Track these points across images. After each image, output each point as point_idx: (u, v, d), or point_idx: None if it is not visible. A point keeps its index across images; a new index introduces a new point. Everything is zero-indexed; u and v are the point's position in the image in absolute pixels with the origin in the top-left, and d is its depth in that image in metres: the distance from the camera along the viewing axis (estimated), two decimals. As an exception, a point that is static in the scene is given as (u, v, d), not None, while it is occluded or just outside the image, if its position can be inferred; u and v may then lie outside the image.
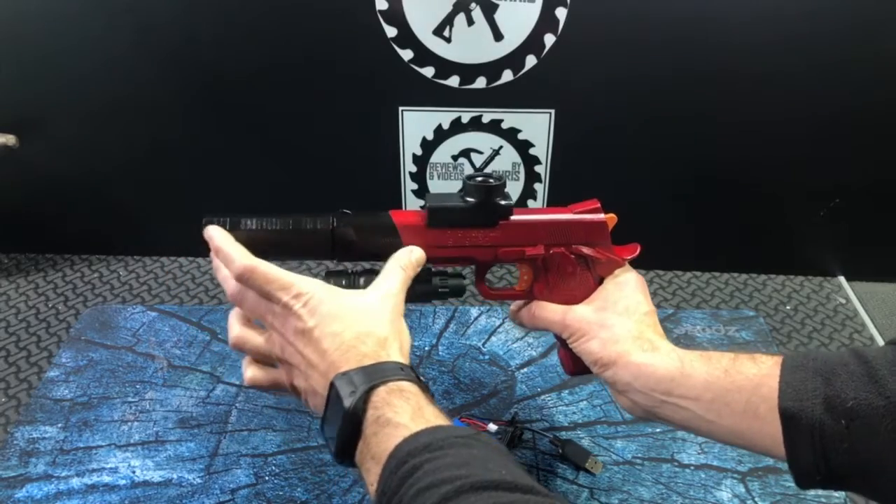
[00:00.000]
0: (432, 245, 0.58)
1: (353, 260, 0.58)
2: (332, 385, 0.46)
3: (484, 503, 0.35)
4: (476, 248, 0.59)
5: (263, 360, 0.53)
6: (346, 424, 0.44)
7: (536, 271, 0.61)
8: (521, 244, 0.60)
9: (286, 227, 0.56)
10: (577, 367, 0.62)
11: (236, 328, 0.53)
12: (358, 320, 0.49)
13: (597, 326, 0.57)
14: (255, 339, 0.52)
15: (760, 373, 0.48)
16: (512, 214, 0.59)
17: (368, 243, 0.58)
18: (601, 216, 0.60)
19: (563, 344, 0.62)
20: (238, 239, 0.54)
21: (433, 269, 0.60)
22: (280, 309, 0.50)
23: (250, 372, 0.53)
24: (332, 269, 0.58)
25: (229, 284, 0.52)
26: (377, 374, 0.46)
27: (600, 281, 0.61)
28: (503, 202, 0.59)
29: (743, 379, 0.48)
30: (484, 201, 0.58)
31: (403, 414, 0.44)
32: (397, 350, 0.50)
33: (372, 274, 0.57)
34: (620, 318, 0.56)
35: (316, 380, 0.48)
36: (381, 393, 0.45)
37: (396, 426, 0.43)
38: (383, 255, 0.58)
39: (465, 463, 0.39)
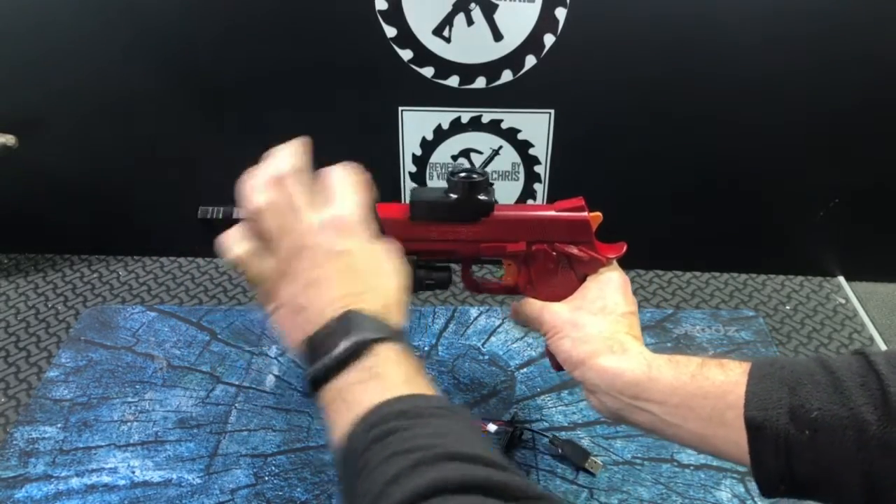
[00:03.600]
0: (416, 238, 0.59)
1: None
2: (348, 312, 0.45)
3: (454, 472, 0.35)
4: (458, 243, 0.60)
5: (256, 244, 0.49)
6: (342, 356, 0.43)
7: (519, 267, 0.62)
8: (503, 240, 0.60)
9: None
10: (559, 363, 0.62)
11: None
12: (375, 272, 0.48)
13: (570, 325, 0.57)
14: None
15: (728, 380, 0.48)
16: (493, 211, 0.60)
17: None
18: (584, 214, 0.60)
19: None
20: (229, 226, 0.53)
21: (418, 261, 0.60)
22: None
23: (242, 246, 0.48)
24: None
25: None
26: (389, 332, 0.45)
27: (584, 279, 0.61)
28: (485, 198, 0.59)
29: (710, 385, 0.48)
30: (466, 197, 0.59)
31: (397, 375, 0.43)
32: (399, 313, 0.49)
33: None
34: (594, 318, 0.57)
35: (317, 299, 0.46)
36: (388, 346, 0.44)
37: (384, 384, 0.42)
38: None
39: (444, 434, 0.39)
